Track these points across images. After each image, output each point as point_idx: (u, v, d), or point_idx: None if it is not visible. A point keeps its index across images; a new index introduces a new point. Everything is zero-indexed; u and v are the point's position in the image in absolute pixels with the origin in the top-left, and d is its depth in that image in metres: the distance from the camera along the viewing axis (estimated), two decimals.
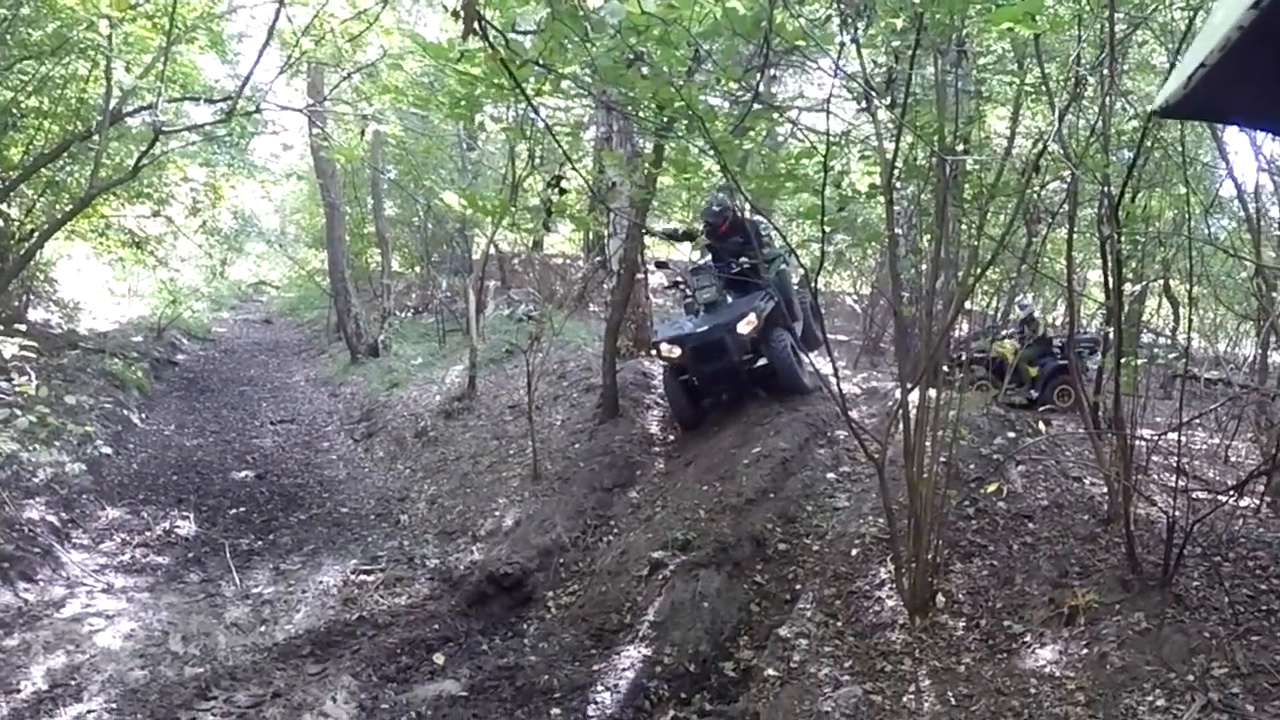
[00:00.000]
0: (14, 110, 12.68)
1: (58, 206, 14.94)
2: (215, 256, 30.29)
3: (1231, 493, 7.13)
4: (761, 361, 11.56)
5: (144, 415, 16.85)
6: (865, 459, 8.37)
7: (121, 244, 20.79)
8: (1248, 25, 0.89)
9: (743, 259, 11.63)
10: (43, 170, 13.43)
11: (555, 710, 7.25)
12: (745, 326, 11.10)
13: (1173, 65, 6.61)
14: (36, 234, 13.43)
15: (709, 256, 12.58)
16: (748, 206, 12.93)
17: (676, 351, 11.48)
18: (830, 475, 9.41)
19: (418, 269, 28.41)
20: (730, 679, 7.31)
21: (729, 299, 11.68)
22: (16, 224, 14.64)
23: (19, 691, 7.51)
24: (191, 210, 21.56)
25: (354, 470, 14.76)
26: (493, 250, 20.72)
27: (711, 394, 12.23)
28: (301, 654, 8.28)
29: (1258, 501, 7.55)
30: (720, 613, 8.04)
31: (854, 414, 7.59)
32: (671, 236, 12.93)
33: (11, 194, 13.51)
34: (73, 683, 7.70)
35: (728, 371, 11.48)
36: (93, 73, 13.09)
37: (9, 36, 11.03)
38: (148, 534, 11.33)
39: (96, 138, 12.33)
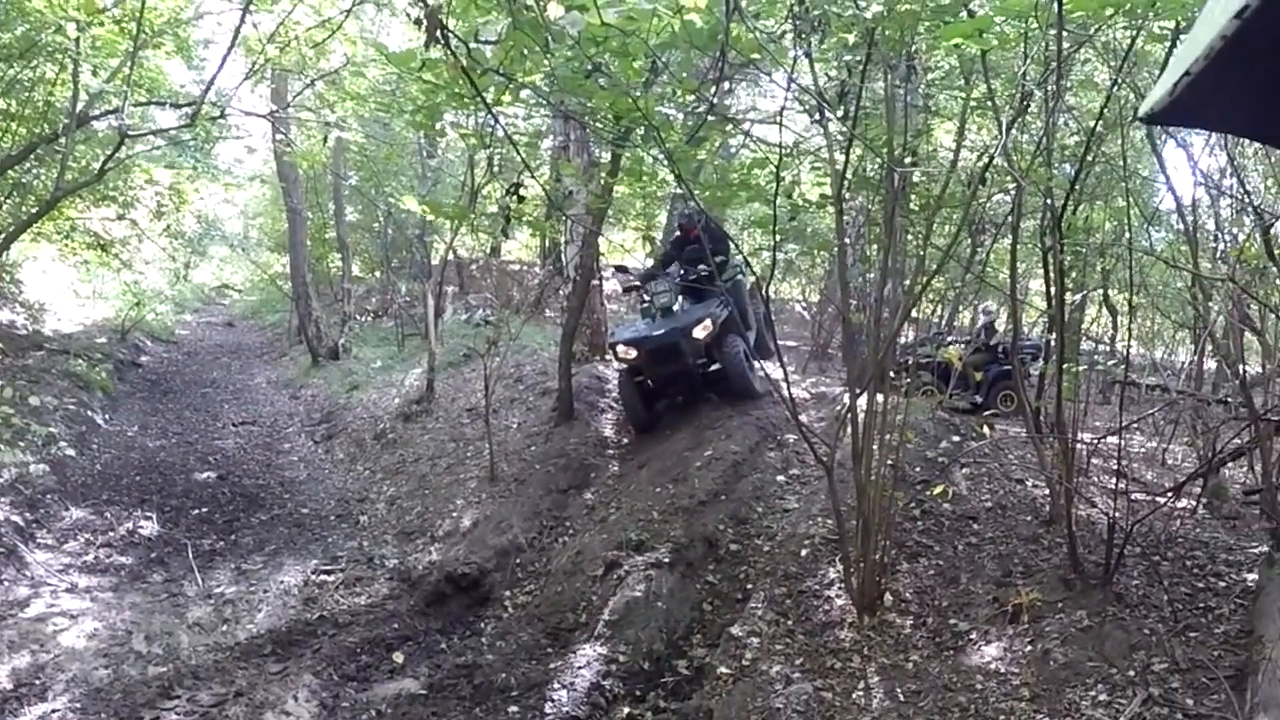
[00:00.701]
0: None
1: (24, 208, 14.79)
2: (179, 259, 30.07)
3: (1169, 494, 7.20)
4: (715, 366, 11.56)
5: (108, 416, 16.66)
6: (814, 462, 8.40)
7: (87, 246, 20.62)
8: (1230, 35, 0.89)
9: (701, 266, 11.42)
10: (9, 172, 13.29)
11: (513, 708, 7.23)
12: (701, 331, 11.07)
13: (1114, 83, 6.66)
14: (2, 236, 13.29)
15: (673, 265, 12.49)
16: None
17: (633, 353, 11.41)
18: (780, 478, 9.44)
19: (378, 274, 28.33)
20: (684, 677, 7.33)
21: (685, 305, 11.68)
22: None
23: None
24: (156, 213, 21.39)
25: (314, 471, 14.67)
26: (451, 256, 20.65)
27: (665, 396, 12.16)
28: (263, 653, 8.21)
29: (1194, 503, 7.64)
30: (674, 612, 8.04)
31: (803, 418, 7.61)
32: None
33: None
34: (37, 682, 7.60)
35: (682, 374, 11.47)
36: (60, 76, 12.98)
37: None
38: (111, 534, 11.19)
39: (63, 140, 12.21)
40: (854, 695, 6.19)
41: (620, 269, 13.77)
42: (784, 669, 6.62)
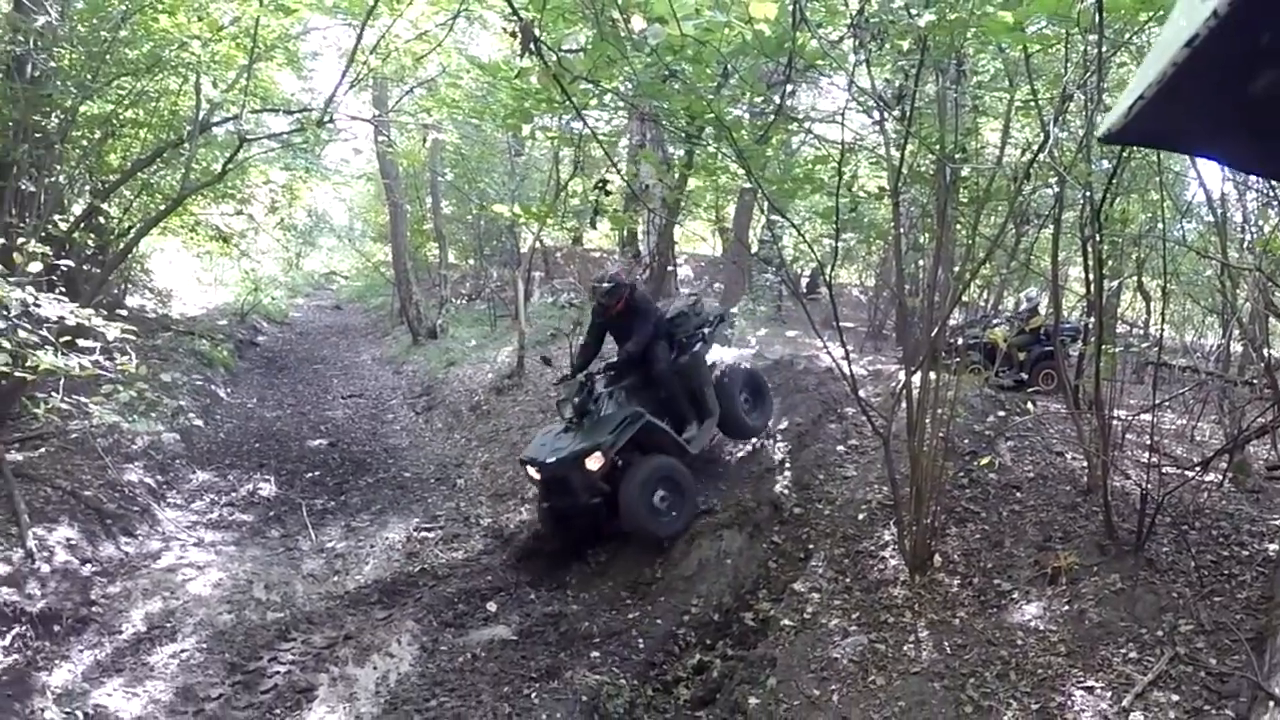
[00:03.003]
0: (114, 121, 12.70)
1: (152, 206, 14.99)
2: (292, 249, 30.37)
3: (1198, 468, 7.12)
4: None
5: (229, 390, 16.96)
6: (872, 433, 8.40)
7: (209, 238, 20.82)
8: (1181, 62, 0.89)
9: (629, 347, 9.05)
10: (139, 174, 13.49)
11: (594, 654, 7.31)
12: (594, 464, 8.44)
13: None
14: (134, 230, 13.52)
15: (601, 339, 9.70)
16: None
17: (535, 475, 8.91)
18: (840, 448, 9.41)
19: (471, 261, 28.35)
20: (750, 627, 7.35)
21: (607, 407, 9.06)
22: (116, 221, 14.72)
23: (121, 633, 7.65)
24: (271, 209, 21.54)
25: (416, 439, 14.81)
26: (538, 245, 20.74)
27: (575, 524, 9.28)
28: (370, 601, 8.39)
29: (1221, 477, 7.54)
30: (741, 569, 8.08)
31: (862, 393, 7.58)
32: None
33: (112, 195, 13.59)
34: (168, 625, 7.83)
35: (577, 511, 8.88)
36: (183, 87, 13.13)
37: (109, 56, 11.07)
38: (233, 495, 11.44)
39: (187, 145, 12.37)
40: (905, 647, 6.21)
41: (545, 360, 10.17)
42: (841, 622, 6.66)
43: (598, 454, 8.38)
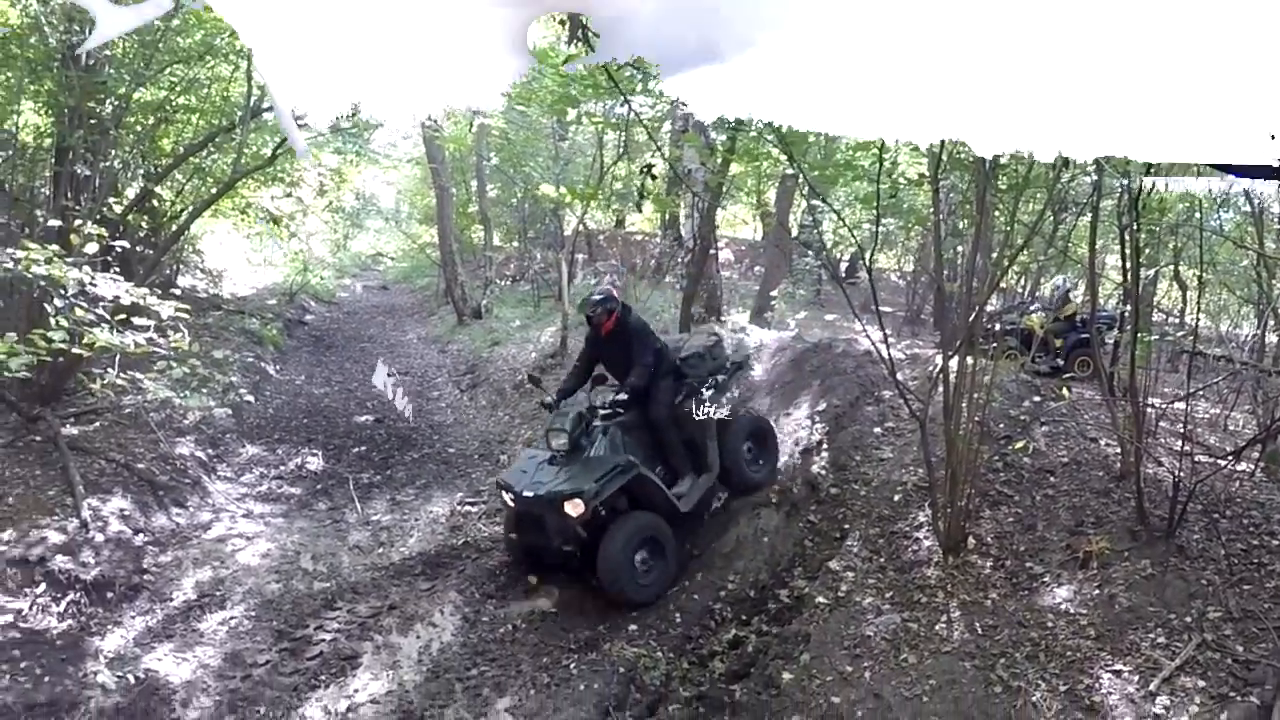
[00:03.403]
0: (167, 107, 12.83)
1: (204, 189, 15.13)
2: (340, 231, 30.54)
3: (1230, 457, 7.08)
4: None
5: (278, 367, 17.18)
6: (908, 416, 8.43)
7: (259, 220, 21.02)
8: None
9: (632, 380, 8.26)
10: (191, 158, 13.62)
11: (632, 627, 7.39)
12: (574, 510, 7.57)
13: None
14: (186, 213, 13.66)
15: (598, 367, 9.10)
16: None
17: (511, 501, 8.14)
18: (877, 430, 9.42)
19: (516, 243, 28.45)
20: (785, 604, 7.38)
21: (599, 445, 8.16)
22: (169, 204, 14.89)
23: (171, 600, 7.84)
24: (320, 192, 21.72)
25: (460, 416, 14.95)
26: (581, 228, 20.79)
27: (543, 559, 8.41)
28: (414, 573, 8.51)
29: (1253, 466, 7.50)
30: (778, 547, 8.12)
31: (899, 377, 7.59)
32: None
33: (165, 179, 13.74)
34: (217, 593, 8.02)
35: (549, 553, 8.15)
36: (234, 74, 13.26)
37: (162, 44, 11.19)
38: (282, 468, 11.64)
39: (238, 130, 12.52)
40: (937, 627, 6.24)
41: (532, 380, 9.32)
42: (875, 601, 6.70)
43: (579, 500, 7.57)
